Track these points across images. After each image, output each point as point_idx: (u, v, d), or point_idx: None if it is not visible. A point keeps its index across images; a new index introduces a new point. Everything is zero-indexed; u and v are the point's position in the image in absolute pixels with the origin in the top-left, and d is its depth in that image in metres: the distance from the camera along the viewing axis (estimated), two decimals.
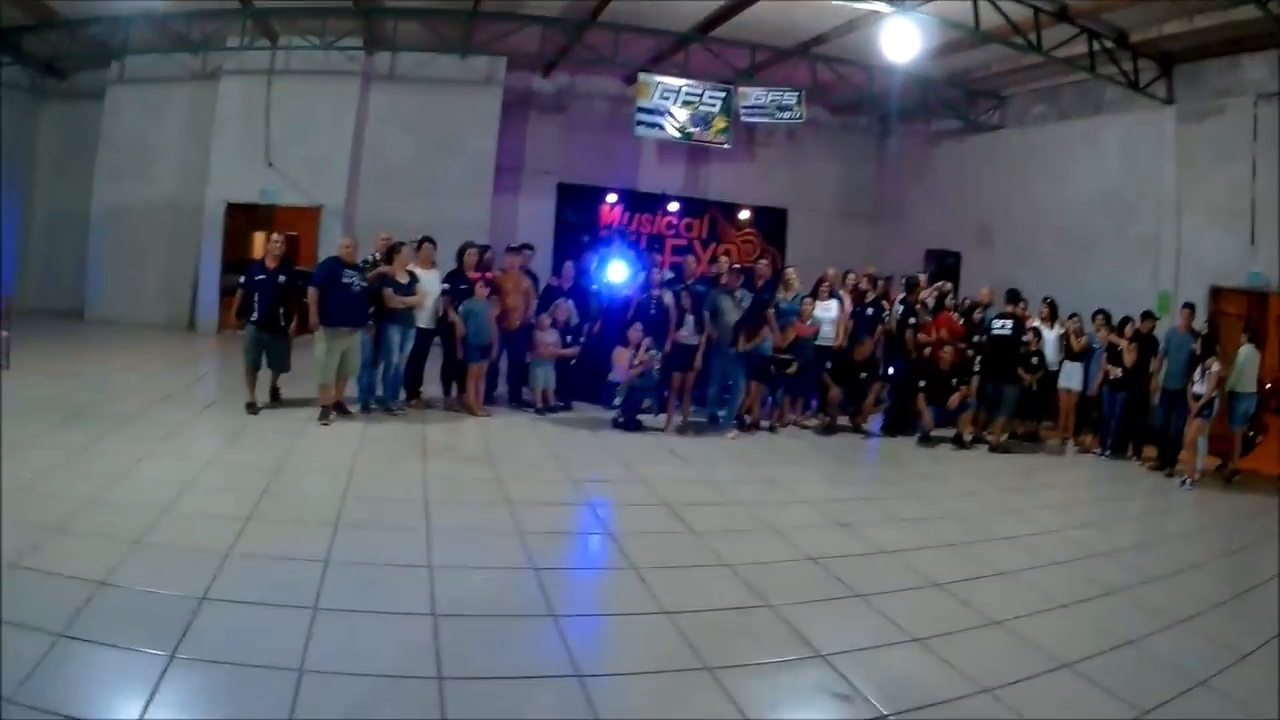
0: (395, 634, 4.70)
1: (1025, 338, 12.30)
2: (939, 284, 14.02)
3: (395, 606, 5.04)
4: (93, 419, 9.02)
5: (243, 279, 10.33)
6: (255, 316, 10.01)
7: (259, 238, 22.32)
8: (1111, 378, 12.10)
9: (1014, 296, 12.60)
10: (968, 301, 13.67)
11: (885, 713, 4.28)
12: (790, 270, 13.46)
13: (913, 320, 12.76)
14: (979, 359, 12.35)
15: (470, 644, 4.64)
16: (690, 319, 11.17)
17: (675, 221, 20.77)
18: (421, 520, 6.68)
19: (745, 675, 4.57)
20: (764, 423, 11.95)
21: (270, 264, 10.19)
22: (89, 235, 17.46)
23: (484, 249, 11.88)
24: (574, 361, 11.98)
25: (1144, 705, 4.58)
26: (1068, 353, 12.67)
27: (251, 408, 10.04)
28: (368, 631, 4.68)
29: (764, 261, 13.93)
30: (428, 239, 11.35)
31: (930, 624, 5.47)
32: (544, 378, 11.67)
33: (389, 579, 5.44)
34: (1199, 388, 10.83)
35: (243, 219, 17.94)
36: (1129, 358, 11.90)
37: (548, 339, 11.54)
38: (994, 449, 11.93)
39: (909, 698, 4.46)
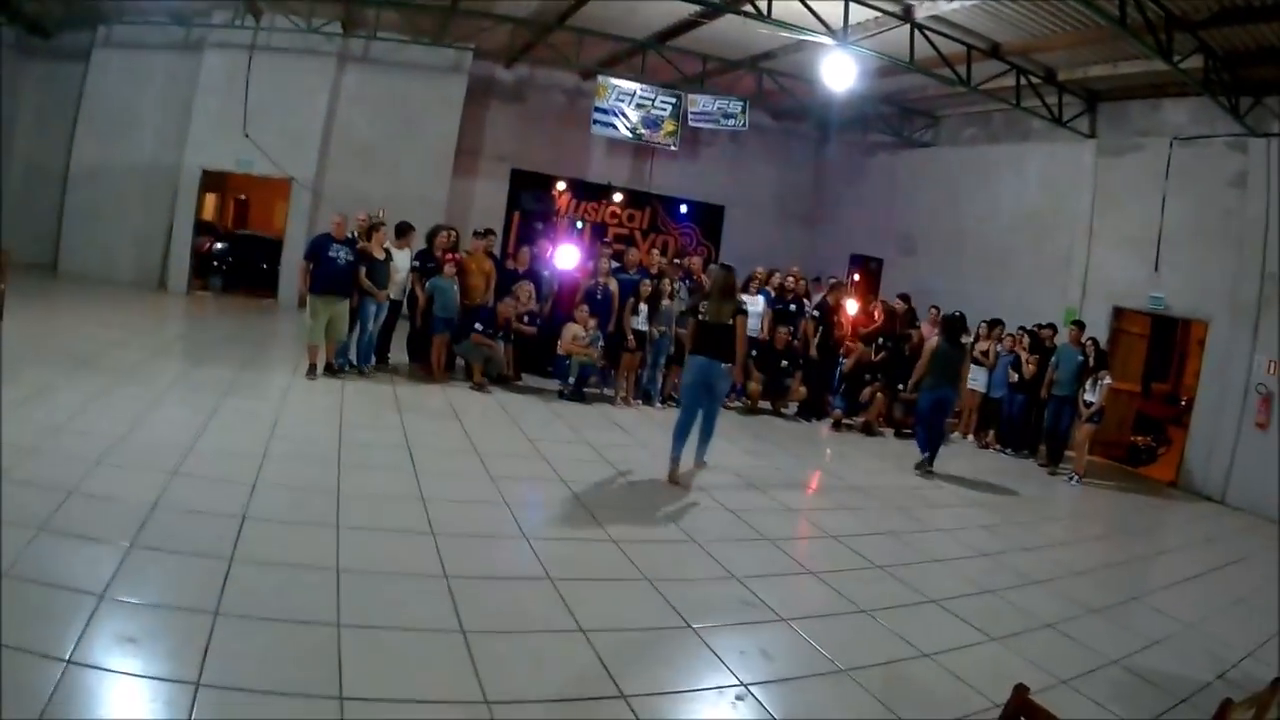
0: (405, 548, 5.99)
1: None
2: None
3: (402, 527, 6.32)
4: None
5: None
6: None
7: (210, 199, 23.27)
8: (1010, 381, 13.75)
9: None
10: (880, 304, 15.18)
11: (783, 616, 5.69)
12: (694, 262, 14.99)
13: (817, 313, 14.28)
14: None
15: (462, 555, 5.92)
16: (644, 307, 12.59)
17: (619, 211, 21.95)
18: (408, 463, 7.99)
19: (676, 586, 5.93)
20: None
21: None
22: (66, 191, 17.95)
23: (452, 231, 13.06)
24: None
25: (994, 634, 5.98)
26: (975, 359, 14.08)
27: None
28: (384, 544, 5.99)
29: (695, 259, 15.44)
30: (408, 225, 12.62)
31: (824, 563, 6.92)
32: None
33: (392, 509, 6.70)
34: (1090, 396, 12.44)
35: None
36: (1029, 369, 13.51)
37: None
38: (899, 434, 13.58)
39: (801, 609, 5.88)
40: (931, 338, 12.19)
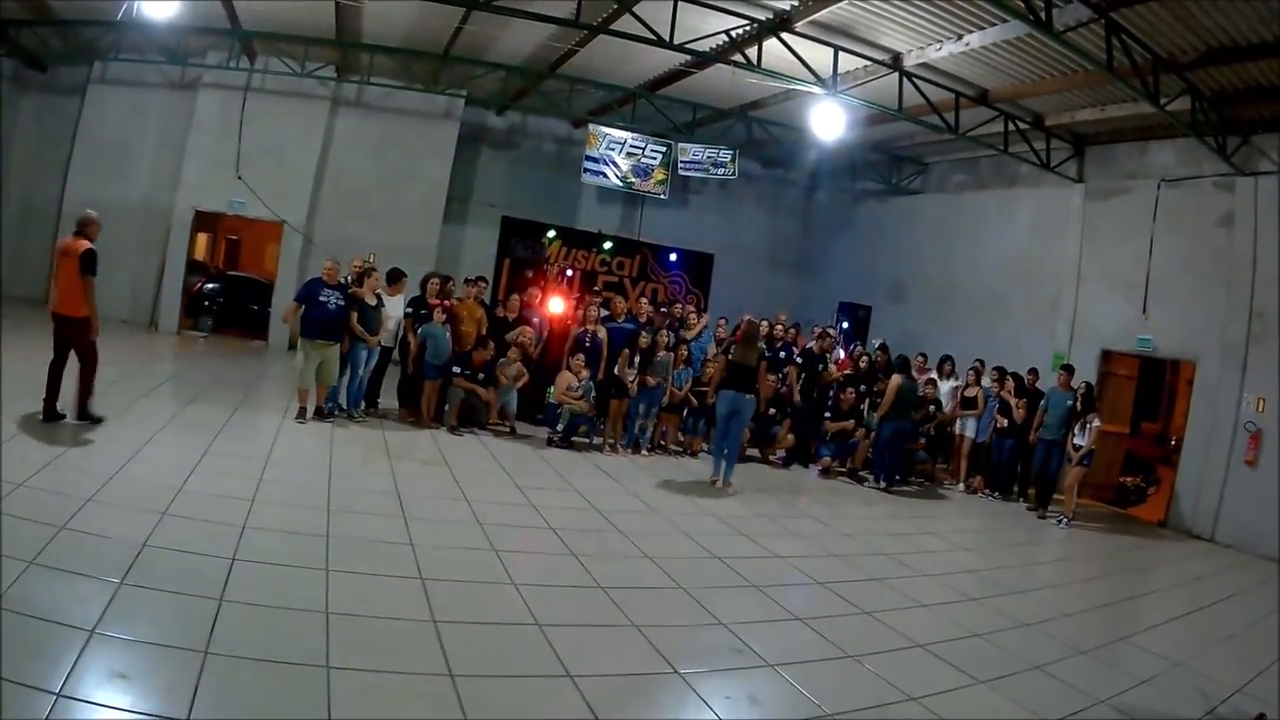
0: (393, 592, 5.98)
1: (923, 391, 13.95)
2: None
3: (390, 571, 6.29)
4: None
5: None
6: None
7: (202, 239, 23.31)
8: (998, 427, 13.75)
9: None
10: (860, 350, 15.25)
11: (770, 662, 5.67)
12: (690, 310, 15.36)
13: (800, 360, 14.40)
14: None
15: (450, 600, 5.89)
16: (636, 358, 12.69)
17: (608, 259, 22.07)
18: (397, 508, 7.99)
19: (663, 632, 5.91)
20: (674, 447, 13.48)
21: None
22: (60, 226, 17.50)
23: (446, 279, 13.09)
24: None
25: (981, 677, 5.97)
26: (964, 403, 14.27)
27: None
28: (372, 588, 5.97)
29: (678, 305, 15.75)
30: (401, 272, 12.60)
31: (810, 609, 6.93)
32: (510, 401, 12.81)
33: (380, 553, 6.66)
34: (1079, 439, 12.49)
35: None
36: (1019, 413, 13.53)
37: (510, 372, 12.62)
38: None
39: (788, 655, 5.86)
40: (894, 376, 13.20)
